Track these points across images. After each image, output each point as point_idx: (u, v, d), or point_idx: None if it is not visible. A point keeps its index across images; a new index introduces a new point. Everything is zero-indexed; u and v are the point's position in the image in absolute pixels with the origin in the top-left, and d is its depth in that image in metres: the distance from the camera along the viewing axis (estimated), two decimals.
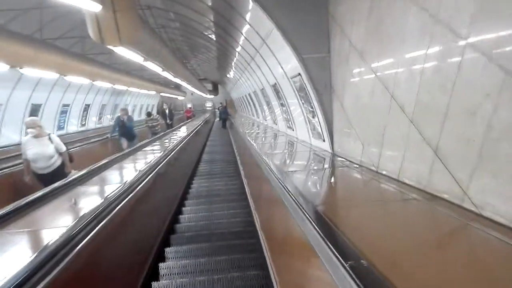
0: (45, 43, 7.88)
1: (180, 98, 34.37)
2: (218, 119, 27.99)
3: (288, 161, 5.66)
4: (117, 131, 11.96)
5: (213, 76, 32.24)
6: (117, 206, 3.42)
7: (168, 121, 20.27)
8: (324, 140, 5.50)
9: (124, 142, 11.51)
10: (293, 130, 7.90)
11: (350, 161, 4.41)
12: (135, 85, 17.84)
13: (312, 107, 5.61)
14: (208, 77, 33.50)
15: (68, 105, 14.97)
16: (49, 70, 7.96)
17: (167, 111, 21.43)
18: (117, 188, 3.71)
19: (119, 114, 12.08)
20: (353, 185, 3.81)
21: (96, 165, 4.98)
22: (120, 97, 21.01)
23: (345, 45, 4.41)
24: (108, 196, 3.46)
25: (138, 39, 5.10)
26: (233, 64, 13.68)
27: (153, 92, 22.38)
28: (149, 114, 15.64)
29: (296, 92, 6.10)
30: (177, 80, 18.03)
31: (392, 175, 3.38)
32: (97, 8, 4.36)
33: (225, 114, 22.89)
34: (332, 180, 4.03)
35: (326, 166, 4.97)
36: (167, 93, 27.34)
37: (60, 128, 15.07)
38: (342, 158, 4.71)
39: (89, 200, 3.73)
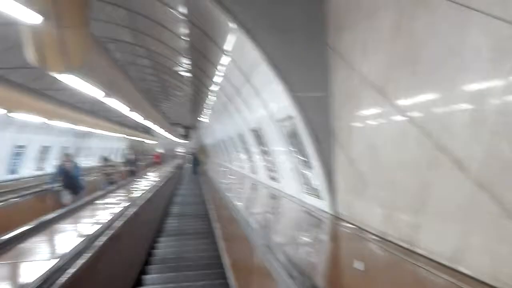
0: None
1: (149, 142, 33.06)
2: (190, 164, 26.85)
3: (275, 226, 4.57)
4: (58, 182, 9.48)
5: (186, 120, 31.31)
6: None
7: (132, 167, 17.75)
8: (321, 198, 4.47)
9: (65, 196, 9.27)
10: (277, 182, 6.87)
11: (362, 229, 3.37)
12: (100, 127, 16.59)
13: (305, 157, 4.63)
14: (180, 121, 32.53)
15: (23, 147, 13.46)
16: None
17: (131, 156, 18.84)
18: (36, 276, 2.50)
19: (62, 161, 9.93)
20: (379, 271, 2.72)
21: (14, 233, 3.68)
22: (86, 140, 19.55)
23: (353, 80, 3.52)
24: None
25: (93, 65, 4.06)
26: (207, 107, 12.76)
27: (121, 135, 21.09)
28: (105, 159, 13.87)
29: (285, 138, 5.13)
30: (148, 123, 16.96)
31: (440, 259, 2.35)
32: (37, 20, 3.32)
33: (196, 161, 24.49)
34: (348, 259, 2.95)
35: (327, 235, 3.93)
36: (136, 136, 26.09)
37: (12, 172, 13.49)
38: (350, 224, 3.67)
39: None
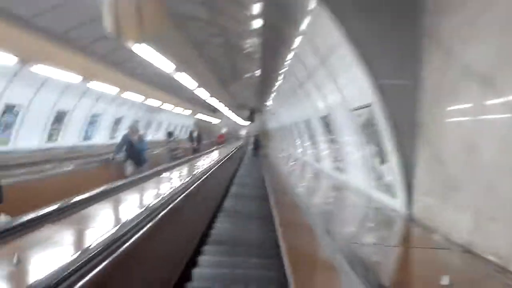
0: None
1: (215, 122, 33.72)
2: (251, 147, 27.02)
3: (337, 219, 4.26)
4: (123, 152, 9.51)
5: (251, 103, 31.43)
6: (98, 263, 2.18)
7: (195, 144, 18.00)
8: (394, 196, 4.07)
9: (129, 167, 9.25)
10: (343, 173, 6.49)
11: (445, 236, 2.96)
12: (170, 103, 17.09)
13: (380, 150, 4.23)
14: (246, 103, 32.71)
15: (98, 115, 14.24)
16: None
17: (195, 133, 18.60)
18: (94, 242, 2.46)
19: (127, 132, 9.79)
20: None
21: (74, 199, 3.73)
22: (156, 114, 20.29)
23: (451, 69, 3.06)
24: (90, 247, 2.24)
25: (166, 38, 3.97)
26: (275, 90, 12.52)
27: (188, 112, 21.62)
28: (170, 134, 14.00)
29: (359, 127, 4.75)
30: (215, 102, 17.20)
31: None
32: None
33: (257, 144, 24.67)
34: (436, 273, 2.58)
35: (399, 237, 3.56)
36: (204, 115, 26.70)
37: (86, 138, 14.36)
38: (428, 228, 3.27)
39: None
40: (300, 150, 12.37)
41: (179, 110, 19.32)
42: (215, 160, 10.21)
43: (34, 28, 6.62)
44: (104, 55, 9.44)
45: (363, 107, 4.26)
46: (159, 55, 4.82)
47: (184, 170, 8.28)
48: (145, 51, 4.35)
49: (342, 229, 3.61)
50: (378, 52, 3.73)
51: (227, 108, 22.26)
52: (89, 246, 2.40)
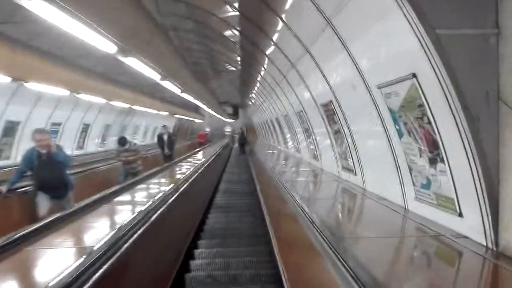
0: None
1: (198, 121, 32.11)
2: (237, 144, 25.42)
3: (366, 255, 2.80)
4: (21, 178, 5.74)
5: (234, 99, 29.88)
6: None
7: (166, 151, 13.43)
8: (460, 214, 2.63)
9: (42, 203, 5.50)
10: (352, 173, 5.06)
11: None
12: (146, 105, 15.47)
13: (425, 141, 2.79)
14: (229, 100, 31.13)
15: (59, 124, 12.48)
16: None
17: (165, 136, 13.50)
18: None
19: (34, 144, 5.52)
20: None
21: None
22: (129, 118, 18.58)
23: None
24: None
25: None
26: (260, 77, 11.03)
27: (165, 113, 19.94)
28: (122, 141, 9.17)
29: (387, 108, 3.28)
30: (197, 102, 15.54)
31: None
32: None
33: (243, 140, 23.21)
34: None
35: None
36: (185, 115, 25.00)
37: None
38: None
39: None
40: (292, 144, 10.92)
41: (156, 111, 17.69)
42: (190, 171, 7.44)
43: None
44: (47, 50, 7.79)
45: (401, 80, 2.78)
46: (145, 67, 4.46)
47: (138, 194, 5.53)
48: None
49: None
50: None
51: (211, 107, 20.63)
52: None
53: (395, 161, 3.58)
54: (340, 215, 4.36)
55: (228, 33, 10.19)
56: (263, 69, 9.57)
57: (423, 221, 3.10)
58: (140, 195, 5.48)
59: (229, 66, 16.03)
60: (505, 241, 2.26)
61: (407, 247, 2.92)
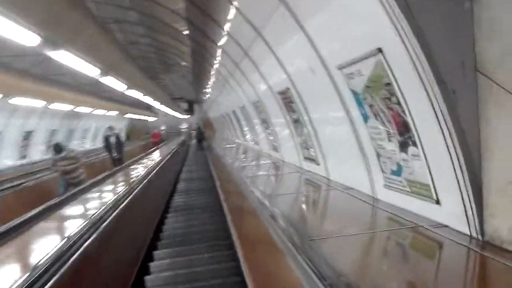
0: None
1: (151, 120, 31.03)
2: (195, 141, 24.73)
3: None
4: None
5: (189, 94, 29.10)
6: None
7: (114, 155, 12.41)
8: (438, 201, 2.38)
9: None
10: (318, 164, 4.79)
11: None
12: (92, 106, 14.53)
13: (402, 124, 2.52)
14: (183, 95, 30.27)
15: None
16: None
17: (112, 138, 12.44)
18: None
19: None
20: None
21: None
22: (77, 121, 17.46)
23: None
24: None
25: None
26: (214, 70, 10.56)
27: (114, 113, 18.95)
28: (58, 148, 8.18)
29: (349, 92, 2.99)
30: (148, 99, 14.71)
31: None
32: None
33: (201, 136, 22.58)
34: None
35: None
36: (138, 114, 23.97)
37: None
38: None
39: None
40: (248, 137, 10.59)
41: (105, 112, 16.72)
42: (141, 174, 6.95)
43: None
44: None
45: (365, 58, 2.48)
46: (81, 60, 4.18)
47: (78, 207, 4.85)
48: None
49: None
50: None
51: (163, 103, 19.80)
52: None
53: (360, 147, 3.32)
54: (304, 209, 4.06)
55: (176, 24, 9.67)
56: (215, 61, 9.12)
57: (395, 211, 2.86)
58: (79, 208, 4.80)
59: (180, 60, 15.41)
60: (491, 228, 2.02)
61: (383, 244, 2.63)
